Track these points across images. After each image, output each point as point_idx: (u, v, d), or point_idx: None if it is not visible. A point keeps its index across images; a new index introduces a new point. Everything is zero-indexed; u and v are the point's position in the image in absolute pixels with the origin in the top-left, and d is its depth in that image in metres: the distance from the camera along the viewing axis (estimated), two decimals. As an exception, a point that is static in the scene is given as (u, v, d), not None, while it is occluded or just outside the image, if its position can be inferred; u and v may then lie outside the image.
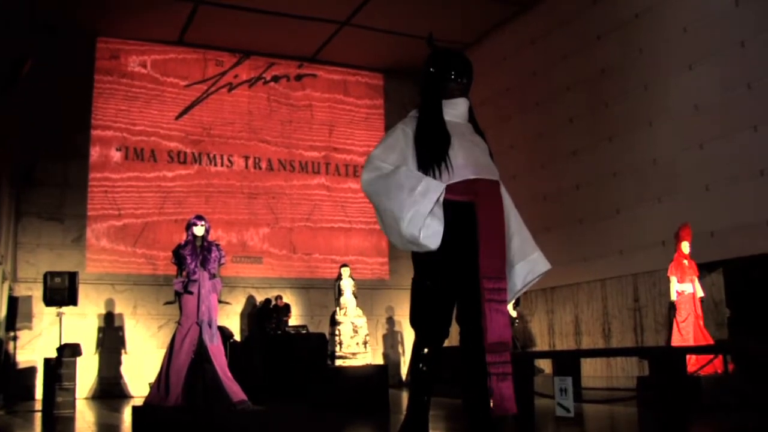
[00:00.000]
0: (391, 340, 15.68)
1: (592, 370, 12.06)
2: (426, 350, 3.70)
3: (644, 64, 11.62)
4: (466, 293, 3.69)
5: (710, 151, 10.45)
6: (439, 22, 14.29)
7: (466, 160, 3.75)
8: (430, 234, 3.56)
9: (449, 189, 3.66)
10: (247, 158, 15.13)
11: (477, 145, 3.89)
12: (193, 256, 7.95)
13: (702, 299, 9.55)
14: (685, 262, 9.52)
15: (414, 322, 3.78)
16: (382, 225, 3.69)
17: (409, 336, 15.57)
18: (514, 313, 12.65)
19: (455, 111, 3.90)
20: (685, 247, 9.56)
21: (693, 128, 10.72)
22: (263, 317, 13.34)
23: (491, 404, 3.64)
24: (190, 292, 7.84)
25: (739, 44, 10.14)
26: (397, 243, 3.68)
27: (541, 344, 13.59)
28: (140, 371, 12.83)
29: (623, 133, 11.87)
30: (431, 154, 3.72)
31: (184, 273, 7.94)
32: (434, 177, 3.67)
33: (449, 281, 3.69)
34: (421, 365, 3.70)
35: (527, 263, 3.91)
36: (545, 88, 13.64)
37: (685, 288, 9.42)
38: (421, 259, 3.73)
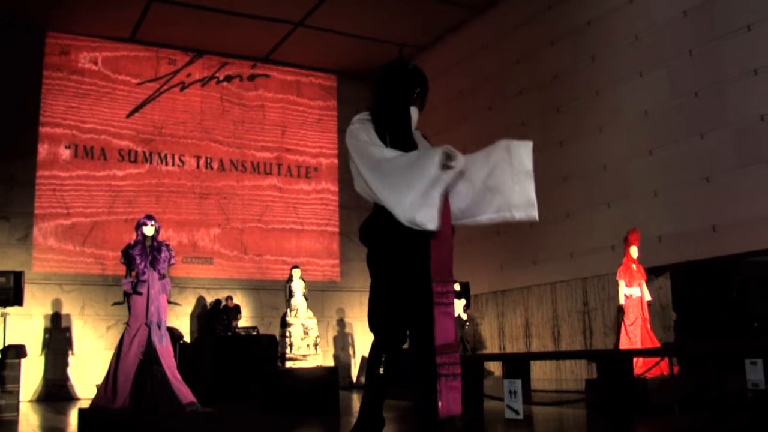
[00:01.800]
0: (342, 341, 15.66)
1: (541, 373, 12.17)
2: (384, 354, 3.75)
3: (596, 71, 11.77)
4: (419, 297, 3.73)
5: (659, 157, 10.63)
6: (393, 25, 14.36)
7: None
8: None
9: None
10: (198, 158, 15.00)
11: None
12: (143, 256, 7.87)
13: (649, 303, 9.68)
14: (634, 266, 9.65)
15: (373, 326, 3.83)
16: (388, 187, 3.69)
17: (359, 338, 15.58)
18: (464, 316, 12.73)
19: (414, 119, 4.05)
20: (634, 251, 9.69)
21: (642, 134, 10.89)
22: (213, 318, 13.24)
23: (439, 405, 3.68)
24: (139, 293, 7.76)
25: (687, 53, 10.33)
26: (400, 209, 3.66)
27: (492, 347, 13.68)
28: (88, 373, 12.63)
29: (574, 138, 12.01)
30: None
31: (134, 273, 7.85)
32: None
33: (405, 285, 3.73)
34: (378, 368, 3.74)
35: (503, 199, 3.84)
36: (498, 92, 13.74)
37: (633, 292, 9.54)
38: (378, 265, 3.79)
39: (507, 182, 3.79)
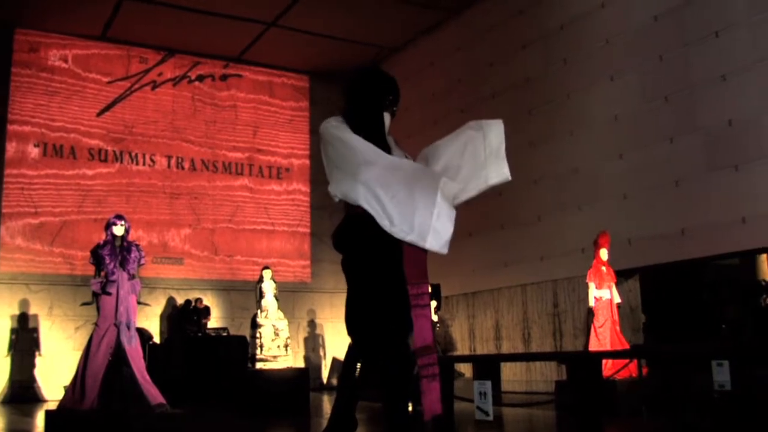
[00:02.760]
0: (313, 343, 15.63)
1: (511, 374, 12.22)
2: (361, 357, 3.78)
3: (567, 74, 11.85)
4: (393, 300, 3.75)
5: (629, 160, 10.72)
6: (367, 26, 14.37)
7: None
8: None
9: None
10: (169, 158, 14.91)
11: (404, 156, 4.02)
12: (112, 256, 7.80)
13: (619, 305, 9.76)
14: (603, 268, 9.72)
15: (350, 330, 3.84)
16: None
17: (330, 339, 15.56)
18: (435, 318, 12.75)
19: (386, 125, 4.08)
20: (604, 254, 9.76)
21: (613, 138, 10.98)
22: (183, 319, 13.16)
23: (422, 407, 3.72)
24: (109, 293, 7.69)
25: (657, 58, 10.43)
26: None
27: (462, 348, 13.72)
28: (55, 374, 12.50)
29: (545, 141, 12.08)
30: None
31: (103, 273, 7.78)
32: None
33: (381, 289, 3.75)
34: (354, 371, 3.77)
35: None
36: (470, 94, 13.78)
37: (602, 294, 9.60)
38: (353, 269, 3.80)
39: (480, 156, 3.90)
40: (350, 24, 14.24)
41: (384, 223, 3.67)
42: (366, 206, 3.71)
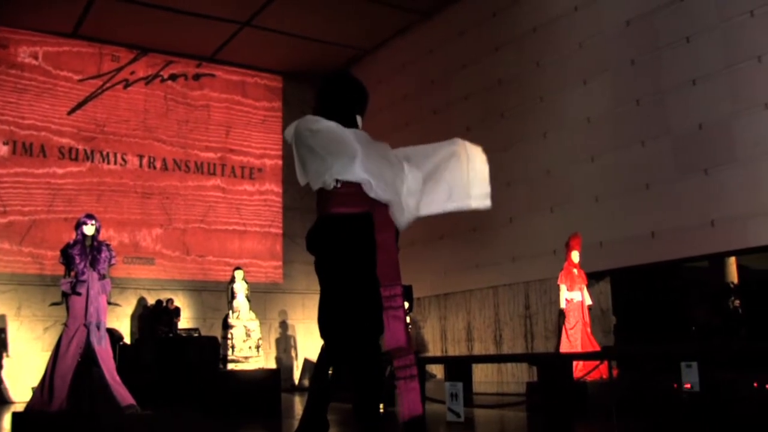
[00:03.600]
0: (284, 344, 15.59)
1: (483, 376, 12.25)
2: (333, 359, 3.78)
3: (540, 77, 11.91)
4: (366, 302, 3.76)
5: (601, 163, 10.80)
6: (340, 27, 14.36)
7: None
8: None
9: (348, 202, 3.80)
10: (141, 157, 14.80)
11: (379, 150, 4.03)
12: (82, 255, 7.73)
13: (590, 307, 9.82)
14: (575, 270, 9.78)
15: (323, 333, 3.84)
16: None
17: (302, 340, 15.52)
18: (407, 319, 12.74)
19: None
20: (575, 256, 9.82)
21: (585, 141, 11.05)
22: (154, 320, 13.07)
23: (401, 407, 3.75)
24: (78, 293, 7.62)
25: (629, 62, 10.51)
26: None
27: (434, 350, 13.74)
28: (23, 375, 12.33)
29: (518, 143, 12.13)
30: None
31: (73, 273, 7.70)
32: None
33: (354, 291, 3.75)
34: (326, 373, 3.77)
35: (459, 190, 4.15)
36: (443, 96, 13.82)
37: (574, 296, 9.66)
38: (326, 272, 3.80)
39: (464, 175, 4.11)
40: (324, 25, 14.22)
41: (381, 187, 3.79)
42: (367, 176, 3.77)
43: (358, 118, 4.11)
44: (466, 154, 4.18)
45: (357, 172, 3.74)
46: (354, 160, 3.75)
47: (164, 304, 13.27)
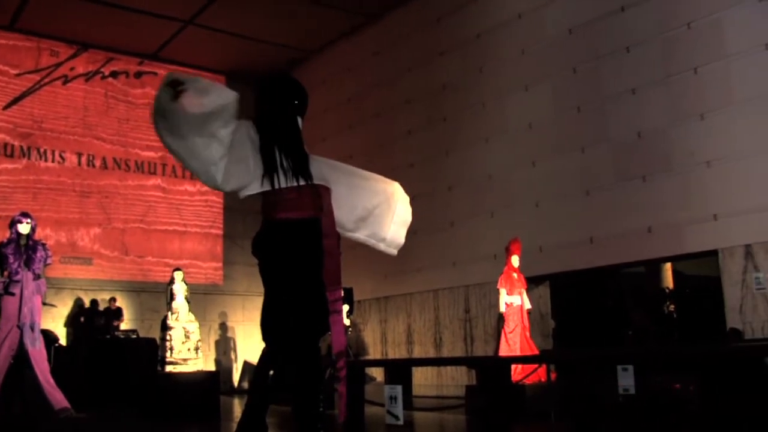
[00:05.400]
0: (224, 346, 15.45)
1: (423, 379, 12.30)
2: (275, 362, 3.78)
3: (483, 83, 12.01)
4: (313, 306, 3.76)
5: (541, 169, 10.93)
6: (285, 28, 14.30)
7: (315, 171, 3.96)
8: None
9: (299, 206, 3.80)
10: (80, 155, 14.54)
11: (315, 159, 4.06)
12: (17, 255, 7.56)
13: (529, 311, 9.91)
14: (515, 275, 9.86)
15: (265, 336, 3.82)
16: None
17: (241, 342, 15.41)
18: (347, 322, 12.74)
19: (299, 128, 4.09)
20: (515, 260, 9.90)
21: (526, 146, 11.17)
22: (91, 321, 12.84)
23: (340, 409, 3.76)
24: (12, 294, 7.45)
25: (571, 69, 10.66)
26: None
27: (374, 353, 13.74)
28: (-47, 376, 12.02)
29: (460, 147, 12.21)
30: (296, 163, 3.88)
31: (6, 273, 7.53)
32: (285, 182, 3.81)
33: (300, 295, 3.74)
34: (267, 376, 3.76)
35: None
36: (386, 100, 13.84)
37: (513, 300, 9.74)
38: (271, 275, 3.78)
39: (387, 219, 4.34)
40: (268, 25, 14.15)
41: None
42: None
43: (299, 120, 4.08)
44: (395, 200, 4.40)
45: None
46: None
47: (107, 304, 13.06)
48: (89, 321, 12.98)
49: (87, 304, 13.62)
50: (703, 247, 9.12)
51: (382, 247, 4.41)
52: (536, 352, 9.65)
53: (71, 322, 13.71)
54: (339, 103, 14.60)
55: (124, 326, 13.24)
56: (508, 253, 9.96)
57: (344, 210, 4.13)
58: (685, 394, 6.76)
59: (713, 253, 9.02)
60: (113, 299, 13.19)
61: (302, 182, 3.82)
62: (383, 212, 4.32)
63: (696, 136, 9.18)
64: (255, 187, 3.82)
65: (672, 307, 13.86)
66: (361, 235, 4.30)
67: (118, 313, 13.06)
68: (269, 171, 3.80)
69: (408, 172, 13.04)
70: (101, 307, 13.22)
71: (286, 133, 3.94)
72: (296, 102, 4.04)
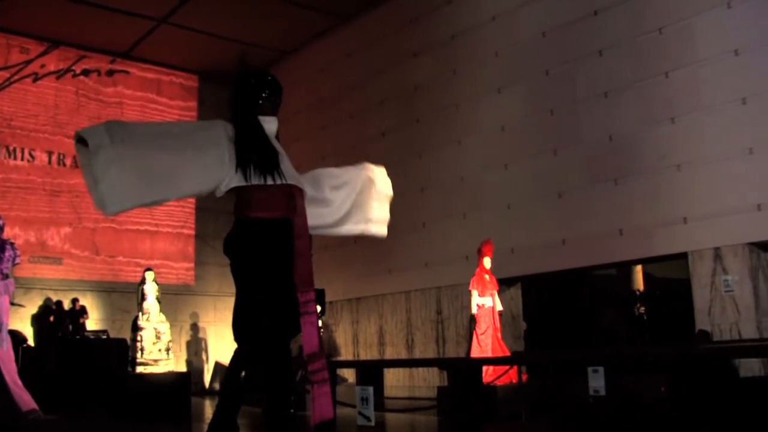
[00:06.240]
0: (195, 346, 15.37)
1: (394, 380, 12.31)
2: (246, 363, 3.76)
3: (457, 84, 12.04)
4: (285, 307, 3.74)
5: (514, 171, 10.97)
6: (258, 28, 14.26)
7: (287, 171, 3.88)
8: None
9: (271, 205, 3.76)
10: (50, 153, 14.40)
11: (287, 159, 4.00)
12: (-16, 254, 7.46)
13: (501, 313, 9.93)
14: (486, 276, 9.87)
15: (237, 336, 3.80)
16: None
17: (213, 343, 15.34)
18: (319, 323, 12.71)
19: (268, 126, 3.98)
20: (487, 262, 9.91)
21: (499, 148, 11.21)
22: (57, 321, 12.70)
23: (313, 411, 3.75)
24: (-22, 293, 7.35)
25: (544, 72, 10.72)
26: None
27: (346, 354, 13.73)
28: None
29: (433, 149, 12.23)
30: (264, 163, 3.80)
31: (-27, 272, 7.44)
32: (257, 180, 3.75)
33: (272, 296, 3.73)
34: (238, 377, 3.75)
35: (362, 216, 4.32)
36: (360, 100, 13.84)
37: (485, 301, 9.74)
38: (243, 276, 3.76)
39: (370, 200, 4.32)
40: (242, 25, 14.10)
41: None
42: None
43: (270, 119, 4.03)
44: (374, 179, 4.39)
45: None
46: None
47: (70, 304, 12.92)
48: (57, 321, 12.84)
49: (56, 304, 13.46)
50: (673, 250, 9.21)
51: (372, 229, 4.43)
52: (508, 353, 9.68)
53: (40, 322, 13.57)
54: (312, 103, 14.58)
55: (94, 326, 13.12)
56: (480, 254, 9.97)
57: (332, 207, 4.18)
58: (657, 394, 6.83)
59: (683, 256, 9.11)
60: (76, 299, 13.04)
61: (274, 181, 3.78)
62: (365, 195, 4.33)
63: (667, 140, 9.26)
64: (227, 184, 3.79)
65: (642, 309, 13.99)
66: (349, 226, 4.30)
67: (82, 312, 12.93)
68: (241, 167, 3.77)
69: (381, 173, 13.05)
70: (66, 307, 13.07)
71: (254, 128, 3.91)
72: (264, 95, 3.98)
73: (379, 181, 4.43)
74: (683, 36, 9.24)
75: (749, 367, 8.14)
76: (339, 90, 14.40)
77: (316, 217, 4.07)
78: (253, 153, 3.79)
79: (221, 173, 3.75)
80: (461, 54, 12.03)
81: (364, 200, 4.33)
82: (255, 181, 3.75)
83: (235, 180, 3.76)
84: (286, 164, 3.89)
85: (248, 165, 3.76)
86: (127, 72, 15.54)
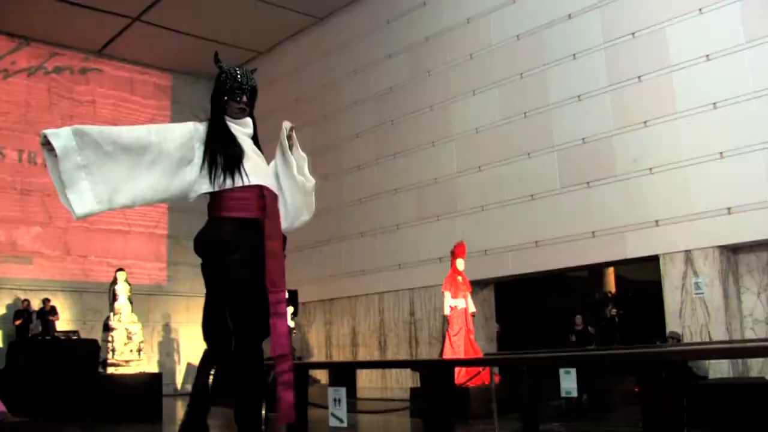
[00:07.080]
0: (167, 347, 15.28)
1: (367, 381, 12.31)
2: (216, 364, 3.74)
3: (431, 86, 12.06)
4: (254, 307, 3.73)
5: (487, 173, 11.01)
6: (233, 28, 14.21)
7: (254, 171, 3.84)
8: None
9: (242, 206, 3.75)
10: (21, 152, 14.25)
11: (263, 161, 3.99)
12: (-46, 253, 7.39)
13: (473, 314, 9.97)
14: (459, 278, 9.90)
15: (206, 336, 3.78)
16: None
17: (185, 344, 15.26)
18: (292, 324, 12.69)
19: (242, 128, 3.98)
20: (460, 264, 9.94)
21: (473, 151, 11.25)
22: (29, 321, 12.58)
23: (278, 413, 3.73)
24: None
25: (518, 75, 10.78)
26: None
27: (319, 355, 13.71)
28: None
29: (407, 151, 12.25)
30: (227, 160, 3.76)
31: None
32: (224, 182, 3.71)
33: (241, 296, 3.71)
34: (208, 377, 3.73)
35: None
36: (334, 101, 13.84)
37: (458, 303, 9.77)
38: (213, 275, 3.74)
39: (299, 197, 4.16)
40: (216, 24, 14.04)
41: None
42: None
43: (241, 122, 4.01)
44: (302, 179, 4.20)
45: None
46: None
47: (42, 305, 12.80)
48: (27, 322, 12.71)
49: (24, 303, 13.32)
50: (644, 253, 9.29)
51: (308, 217, 4.17)
52: (480, 355, 9.70)
53: (9, 323, 13.42)
54: (287, 104, 14.54)
55: (65, 327, 12.99)
56: (453, 256, 10.00)
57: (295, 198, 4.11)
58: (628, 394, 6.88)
59: (655, 259, 9.19)
60: (47, 300, 12.91)
61: (242, 182, 3.76)
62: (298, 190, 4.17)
63: (639, 143, 9.34)
64: (195, 189, 3.78)
65: (614, 311, 14.10)
66: (304, 218, 4.14)
67: (52, 312, 12.81)
68: (207, 168, 3.75)
69: (355, 174, 13.06)
70: (35, 308, 12.93)
71: (219, 129, 3.89)
72: (233, 95, 3.96)
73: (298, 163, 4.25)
74: (657, 40, 9.33)
75: (719, 368, 8.23)
76: (314, 90, 14.39)
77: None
78: (217, 154, 3.76)
79: (189, 175, 3.74)
80: (436, 56, 12.06)
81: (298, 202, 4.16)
82: (220, 181, 3.73)
83: (202, 182, 3.75)
84: (255, 164, 3.86)
85: (213, 166, 3.75)
86: (100, 70, 15.43)
